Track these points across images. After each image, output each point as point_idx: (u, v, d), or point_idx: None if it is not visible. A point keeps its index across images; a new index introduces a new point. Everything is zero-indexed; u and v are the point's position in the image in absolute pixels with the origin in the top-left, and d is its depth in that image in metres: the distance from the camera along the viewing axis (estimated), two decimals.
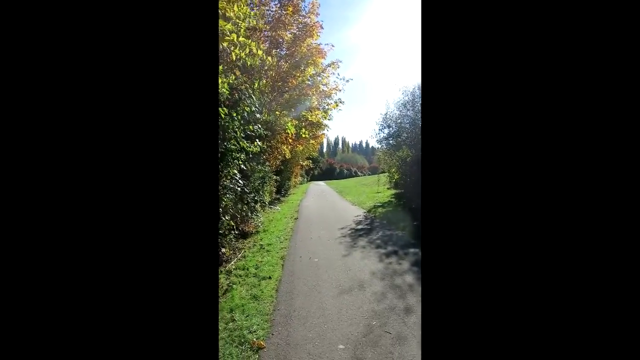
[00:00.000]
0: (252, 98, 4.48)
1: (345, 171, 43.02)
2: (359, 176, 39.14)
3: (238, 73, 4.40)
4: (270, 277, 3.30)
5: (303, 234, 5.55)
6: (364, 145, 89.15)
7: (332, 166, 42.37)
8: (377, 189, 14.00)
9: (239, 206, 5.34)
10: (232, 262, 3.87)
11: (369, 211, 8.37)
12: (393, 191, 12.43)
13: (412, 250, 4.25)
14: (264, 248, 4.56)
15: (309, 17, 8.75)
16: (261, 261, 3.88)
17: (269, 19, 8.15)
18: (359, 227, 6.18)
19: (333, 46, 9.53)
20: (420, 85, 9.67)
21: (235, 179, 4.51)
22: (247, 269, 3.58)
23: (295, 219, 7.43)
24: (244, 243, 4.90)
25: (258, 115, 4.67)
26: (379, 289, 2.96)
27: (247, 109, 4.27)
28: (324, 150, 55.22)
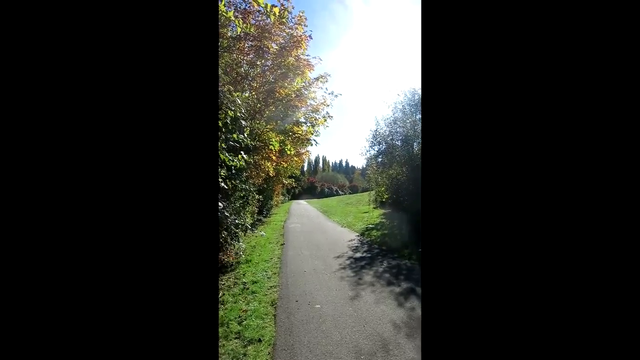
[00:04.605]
0: (237, 102, 3.68)
1: (327, 190, 42.33)
2: (340, 195, 38.58)
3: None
4: (260, 340, 2.37)
5: (294, 266, 4.63)
6: (344, 164, 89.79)
7: (313, 185, 41.62)
8: (365, 209, 13.33)
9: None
10: None
11: (362, 234, 7.60)
12: (381, 211, 11.83)
13: None
14: (247, 288, 3.60)
15: (296, 29, 8.29)
16: (246, 310, 2.93)
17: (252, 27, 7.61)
18: (357, 255, 5.36)
19: (321, 59, 9.04)
20: (421, 95, 9.34)
21: None
22: (228, 325, 2.62)
23: (281, 244, 6.49)
24: (222, 280, 3.91)
25: (244, 123, 3.86)
26: (411, 355, 2.13)
27: (231, 113, 3.45)
28: (305, 169, 54.71)
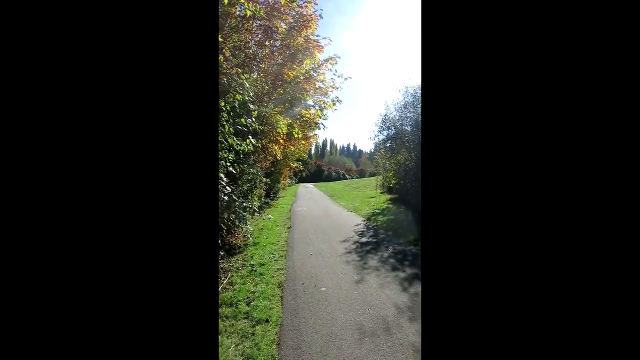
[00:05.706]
0: (245, 85, 3.63)
1: (334, 174, 42.29)
2: (347, 179, 38.55)
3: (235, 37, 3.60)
4: (267, 320, 2.46)
5: (300, 249, 4.73)
6: (351, 147, 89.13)
7: (320, 168, 41.59)
8: (371, 194, 13.33)
9: (226, 216, 4.46)
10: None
11: (368, 219, 7.65)
12: (388, 196, 11.82)
13: None
14: (255, 270, 3.70)
15: (306, 7, 8.00)
16: (254, 292, 3.03)
17: (262, 7, 7.37)
18: (363, 239, 5.43)
19: (331, 40, 8.74)
20: (421, 86, 9.06)
21: (222, 183, 3.65)
22: (237, 305, 2.73)
23: (288, 227, 6.60)
24: (230, 262, 4.03)
25: (252, 107, 3.83)
26: (413, 338, 2.19)
27: (239, 97, 3.42)
28: (312, 152, 54.56)
